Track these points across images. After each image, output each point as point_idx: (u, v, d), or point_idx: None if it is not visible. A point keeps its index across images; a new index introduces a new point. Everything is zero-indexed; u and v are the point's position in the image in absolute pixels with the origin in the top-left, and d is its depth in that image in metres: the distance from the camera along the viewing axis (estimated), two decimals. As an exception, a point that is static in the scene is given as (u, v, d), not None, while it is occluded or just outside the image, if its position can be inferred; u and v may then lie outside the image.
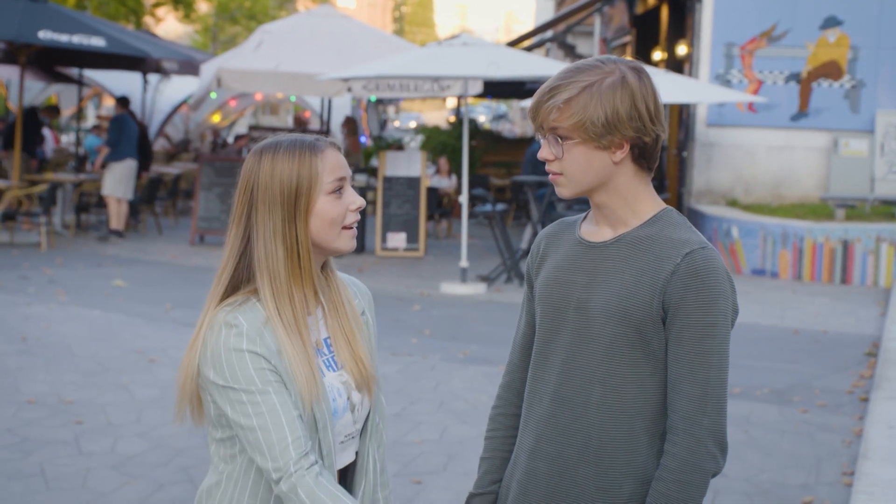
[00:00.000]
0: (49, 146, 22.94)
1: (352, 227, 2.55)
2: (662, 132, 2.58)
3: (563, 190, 2.60)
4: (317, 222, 2.51)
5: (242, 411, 2.43)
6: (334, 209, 2.51)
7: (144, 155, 18.24)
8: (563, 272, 2.66)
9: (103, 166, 17.07)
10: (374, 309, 2.79)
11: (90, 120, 32.30)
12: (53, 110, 22.78)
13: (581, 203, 14.45)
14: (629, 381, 2.54)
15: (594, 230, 2.67)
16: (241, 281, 2.55)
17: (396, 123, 52.95)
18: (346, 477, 2.68)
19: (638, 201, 2.61)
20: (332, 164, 2.52)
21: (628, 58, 2.66)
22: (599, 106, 2.49)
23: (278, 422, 2.40)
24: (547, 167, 2.61)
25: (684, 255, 2.50)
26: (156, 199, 18.61)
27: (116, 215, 16.94)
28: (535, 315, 2.76)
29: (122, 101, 17.72)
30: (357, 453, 2.68)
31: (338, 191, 2.53)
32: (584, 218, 2.74)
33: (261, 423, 2.41)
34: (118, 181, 16.81)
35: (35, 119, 19.86)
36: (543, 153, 2.59)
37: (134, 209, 17.82)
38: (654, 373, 2.54)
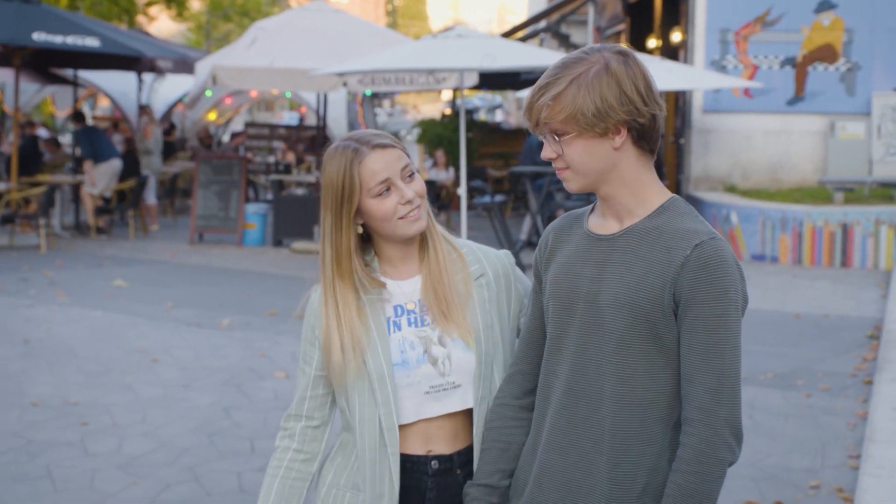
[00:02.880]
0: (45, 148, 22.94)
1: (406, 216, 2.80)
2: (659, 111, 2.57)
3: (571, 184, 2.62)
4: (371, 221, 2.82)
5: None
6: (381, 208, 2.79)
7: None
8: (572, 265, 2.66)
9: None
10: (509, 273, 2.96)
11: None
12: (54, 143, 22.82)
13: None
14: (641, 372, 2.55)
15: (601, 223, 2.67)
16: None
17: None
18: (467, 425, 2.90)
19: (643, 189, 2.60)
20: (373, 168, 2.78)
21: (618, 44, 2.67)
22: (588, 96, 2.50)
23: (295, 393, 2.98)
24: (553, 165, 2.62)
25: (694, 247, 2.49)
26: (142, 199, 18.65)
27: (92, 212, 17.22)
28: (545, 309, 2.76)
29: (78, 117, 17.88)
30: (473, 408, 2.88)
31: (384, 192, 2.78)
32: (592, 210, 2.74)
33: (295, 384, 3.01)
34: (100, 180, 17.08)
35: (35, 148, 19.92)
36: (546, 153, 2.61)
37: (110, 209, 17.84)
38: (666, 364, 2.55)
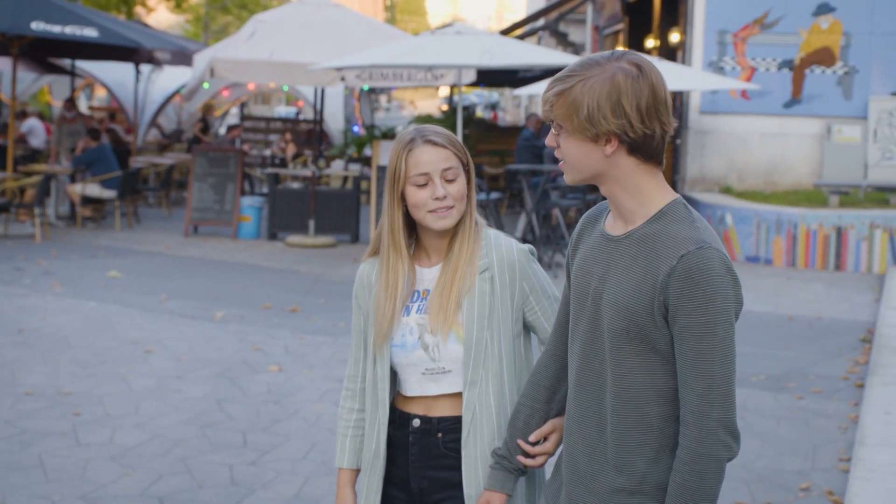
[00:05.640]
0: (41, 138, 22.91)
1: (435, 211, 3.12)
2: (660, 128, 2.62)
3: (566, 176, 2.74)
4: (408, 206, 3.16)
5: None
6: (415, 197, 3.13)
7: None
8: (586, 262, 2.78)
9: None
10: (515, 269, 3.19)
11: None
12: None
13: (574, 191, 14.46)
14: (637, 370, 2.65)
15: (612, 223, 2.76)
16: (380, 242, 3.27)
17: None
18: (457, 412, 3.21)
19: (643, 194, 2.67)
20: (417, 160, 3.13)
21: (642, 55, 2.73)
22: (585, 101, 2.60)
23: (350, 357, 3.38)
24: (555, 153, 2.74)
25: (680, 258, 2.57)
26: (136, 190, 18.54)
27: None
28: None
29: (94, 133, 17.94)
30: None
31: (422, 184, 3.12)
32: None
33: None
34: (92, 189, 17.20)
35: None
36: (548, 139, 2.74)
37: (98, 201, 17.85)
38: (663, 363, 2.64)
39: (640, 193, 2.67)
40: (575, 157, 2.67)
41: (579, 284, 2.78)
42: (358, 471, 3.37)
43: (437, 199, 3.11)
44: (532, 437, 3.03)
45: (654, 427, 2.65)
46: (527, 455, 3.05)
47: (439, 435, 3.20)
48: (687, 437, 2.59)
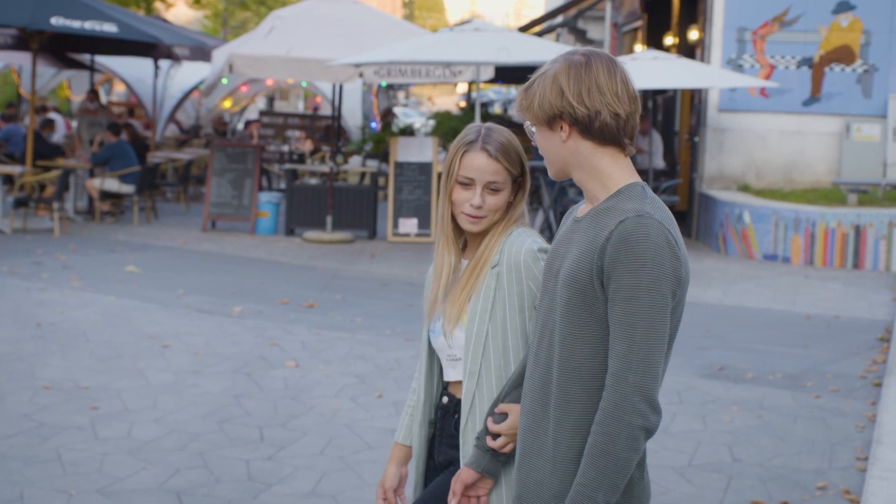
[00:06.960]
0: (60, 132, 22.99)
1: (468, 215, 3.28)
2: (607, 110, 2.75)
3: (549, 171, 2.91)
4: (451, 200, 3.31)
5: None
6: (457, 195, 3.30)
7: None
8: (556, 244, 2.90)
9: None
10: (521, 267, 3.25)
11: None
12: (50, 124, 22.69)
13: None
14: (581, 343, 2.72)
15: (583, 207, 2.90)
16: None
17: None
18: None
19: (604, 175, 2.80)
20: (469, 163, 3.27)
21: (595, 49, 2.88)
22: (538, 91, 2.81)
23: None
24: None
25: (618, 223, 2.67)
26: (154, 186, 18.59)
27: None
28: None
29: (113, 128, 17.99)
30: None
31: (466, 185, 3.28)
32: None
33: None
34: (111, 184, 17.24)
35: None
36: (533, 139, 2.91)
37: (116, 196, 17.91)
38: (605, 336, 2.71)
39: (601, 175, 2.80)
40: (544, 150, 2.85)
41: (548, 266, 2.89)
42: (410, 448, 3.57)
43: (471, 206, 3.27)
44: (496, 410, 3.12)
45: (595, 402, 2.70)
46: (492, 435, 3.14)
47: (456, 415, 3.36)
48: (604, 400, 2.64)
